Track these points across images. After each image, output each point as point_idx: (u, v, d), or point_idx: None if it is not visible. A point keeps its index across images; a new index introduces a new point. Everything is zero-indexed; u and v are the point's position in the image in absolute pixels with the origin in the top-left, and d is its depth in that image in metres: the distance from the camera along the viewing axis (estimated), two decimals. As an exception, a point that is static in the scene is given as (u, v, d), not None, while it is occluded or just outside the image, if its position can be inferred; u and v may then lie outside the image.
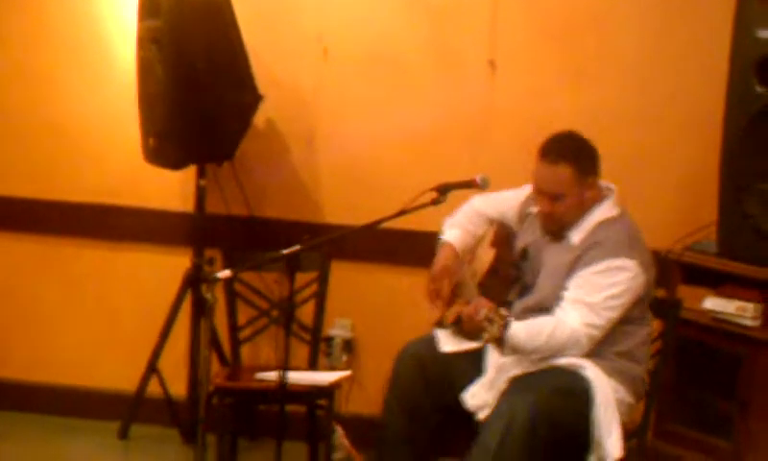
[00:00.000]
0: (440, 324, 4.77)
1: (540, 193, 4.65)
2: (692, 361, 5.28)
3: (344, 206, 5.88)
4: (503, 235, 4.84)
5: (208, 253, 5.73)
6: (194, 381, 5.80)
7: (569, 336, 4.43)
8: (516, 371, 4.53)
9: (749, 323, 5.06)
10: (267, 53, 5.80)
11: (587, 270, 4.50)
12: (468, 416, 4.60)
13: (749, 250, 5.09)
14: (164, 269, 5.95)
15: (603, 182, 4.73)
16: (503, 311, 4.33)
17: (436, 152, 5.81)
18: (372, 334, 5.93)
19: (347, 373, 5.42)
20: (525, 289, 4.66)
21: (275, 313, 5.52)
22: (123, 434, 5.88)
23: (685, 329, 5.15)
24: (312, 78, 5.90)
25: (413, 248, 5.44)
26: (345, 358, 5.93)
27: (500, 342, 4.36)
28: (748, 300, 5.08)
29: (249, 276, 5.52)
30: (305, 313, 5.50)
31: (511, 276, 4.72)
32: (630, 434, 4.66)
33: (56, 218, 6.06)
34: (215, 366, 5.62)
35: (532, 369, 4.50)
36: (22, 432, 5.92)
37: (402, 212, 4.54)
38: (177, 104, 5.41)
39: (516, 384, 4.47)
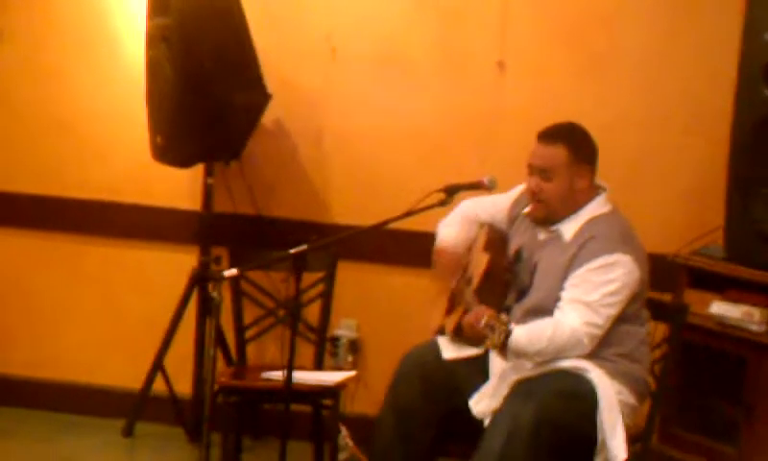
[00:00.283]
0: (441, 331, 4.77)
1: (531, 171, 4.64)
2: (698, 366, 5.27)
3: (351, 207, 5.88)
4: (495, 239, 4.83)
5: (215, 251, 5.74)
6: (199, 380, 5.80)
7: (570, 337, 4.42)
8: (520, 375, 4.52)
9: (755, 328, 5.05)
10: (276, 52, 5.80)
11: (582, 269, 4.48)
12: (474, 421, 4.59)
13: (756, 254, 5.08)
14: (171, 267, 5.96)
15: (596, 181, 4.72)
16: (504, 317, 4.32)
17: (444, 152, 5.81)
18: (377, 335, 5.93)
19: (352, 373, 5.42)
20: (523, 292, 4.65)
21: (281, 312, 5.52)
22: (128, 432, 5.89)
23: (692, 334, 5.14)
24: (320, 78, 5.90)
25: (420, 249, 5.43)
26: (350, 358, 5.93)
27: (503, 348, 4.36)
28: (754, 304, 5.07)
29: (255, 275, 5.51)
30: (312, 313, 5.51)
31: (506, 279, 4.71)
32: (635, 438, 4.65)
33: (63, 215, 6.07)
34: (221, 365, 5.63)
35: (535, 372, 4.50)
36: (27, 429, 5.93)
37: (409, 213, 4.54)
38: (185, 102, 5.42)
39: (520, 388, 4.47)
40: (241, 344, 5.52)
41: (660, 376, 4.82)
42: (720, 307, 5.16)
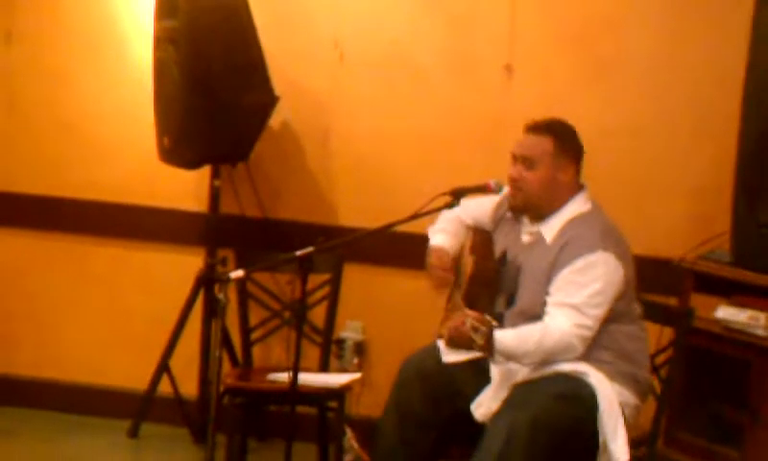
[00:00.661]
0: (441, 336, 4.78)
1: (514, 160, 4.64)
2: (704, 370, 5.27)
3: (357, 209, 5.88)
4: (480, 241, 4.83)
5: (221, 253, 5.74)
6: (205, 381, 5.81)
7: (558, 340, 4.41)
8: (520, 378, 4.52)
9: (761, 332, 5.04)
10: (283, 56, 5.81)
11: (564, 271, 4.47)
12: (475, 424, 4.59)
13: (762, 259, 5.08)
14: (177, 268, 5.97)
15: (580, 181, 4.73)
16: (487, 318, 4.31)
17: (451, 156, 5.82)
18: (383, 337, 5.94)
19: (357, 375, 5.42)
20: (511, 297, 4.65)
21: (287, 314, 5.52)
22: (133, 433, 5.90)
23: (697, 338, 5.14)
24: (328, 81, 5.91)
25: (426, 252, 5.44)
26: (356, 361, 5.94)
27: (488, 349, 4.36)
28: (760, 309, 5.07)
29: (261, 276, 5.52)
30: (317, 315, 5.51)
31: (492, 281, 4.71)
32: (640, 442, 4.65)
33: (69, 216, 6.08)
34: (226, 366, 5.63)
35: (535, 375, 4.49)
36: (33, 429, 5.93)
37: (416, 216, 4.53)
38: (192, 104, 5.43)
39: (519, 392, 4.47)
40: (247, 345, 5.52)
41: (665, 379, 4.82)
42: (726, 312, 5.16)
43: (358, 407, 5.81)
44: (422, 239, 4.94)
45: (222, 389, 5.30)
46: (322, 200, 5.97)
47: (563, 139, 4.64)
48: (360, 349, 5.95)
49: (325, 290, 5.49)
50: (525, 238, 4.69)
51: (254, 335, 5.54)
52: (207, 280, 5.76)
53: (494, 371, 4.63)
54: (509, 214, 4.78)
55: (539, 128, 4.65)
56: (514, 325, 4.52)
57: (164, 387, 5.83)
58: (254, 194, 5.91)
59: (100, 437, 5.90)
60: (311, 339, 5.46)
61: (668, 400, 4.88)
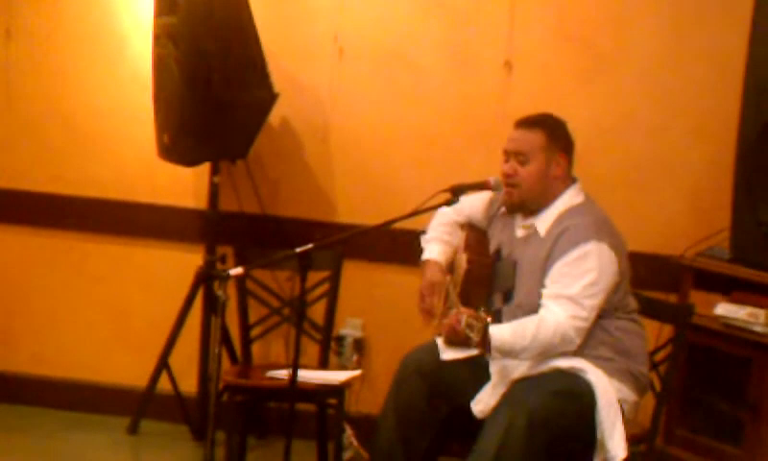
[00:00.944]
0: (439, 334, 4.78)
1: (507, 157, 4.65)
2: (703, 367, 5.28)
3: (357, 206, 5.89)
4: (474, 239, 4.83)
5: (221, 250, 5.75)
6: (204, 378, 5.81)
7: (555, 332, 4.41)
8: (518, 374, 4.52)
9: (760, 329, 5.05)
10: (283, 52, 5.81)
11: (559, 263, 4.48)
12: (475, 420, 4.59)
13: (761, 256, 5.09)
14: (176, 265, 5.96)
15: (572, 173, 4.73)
16: (482, 314, 4.31)
17: (450, 152, 5.82)
18: (382, 334, 5.94)
19: (357, 372, 5.42)
20: (509, 293, 4.65)
21: (286, 311, 5.52)
22: (133, 430, 5.90)
23: (697, 335, 5.15)
24: (327, 77, 5.90)
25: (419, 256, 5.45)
26: (355, 358, 5.94)
27: (485, 345, 4.35)
28: (759, 306, 5.08)
29: (261, 273, 5.52)
30: (317, 312, 5.51)
31: (488, 278, 4.71)
32: (639, 439, 4.66)
33: (69, 213, 6.08)
34: (226, 363, 5.63)
35: (533, 372, 4.50)
36: (32, 427, 5.93)
37: (415, 213, 4.53)
38: (191, 101, 5.42)
39: (517, 388, 4.47)
40: (246, 343, 5.52)
41: (664, 376, 4.82)
42: (725, 309, 5.17)
43: (357, 404, 5.82)
44: (420, 236, 4.95)
45: (221, 386, 5.29)
46: (321, 197, 5.96)
47: (554, 133, 4.65)
48: (359, 346, 5.95)
49: (325, 287, 5.49)
50: (519, 233, 4.69)
51: (254, 332, 5.53)
52: (207, 277, 5.75)
53: (493, 367, 4.64)
54: (502, 210, 4.78)
55: (530, 122, 4.67)
56: (513, 320, 4.52)
57: (164, 384, 5.82)
58: (254, 191, 5.90)
59: (100, 434, 5.90)
60: (310, 336, 5.46)
61: (668, 396, 4.88)
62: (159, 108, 5.61)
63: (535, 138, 4.62)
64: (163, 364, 5.80)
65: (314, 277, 5.21)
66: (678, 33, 5.70)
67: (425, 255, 4.88)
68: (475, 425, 4.53)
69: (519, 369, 4.53)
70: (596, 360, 4.50)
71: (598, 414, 4.43)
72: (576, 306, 4.43)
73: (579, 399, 4.43)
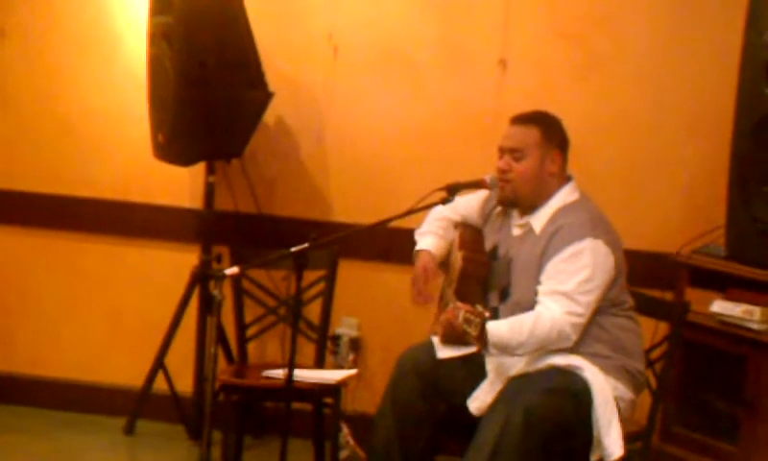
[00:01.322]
0: (435, 332, 4.78)
1: (502, 153, 4.66)
2: (699, 364, 5.28)
3: (352, 205, 5.88)
4: (469, 236, 4.83)
5: (216, 249, 5.72)
6: (200, 378, 5.80)
7: (551, 327, 4.41)
8: (515, 371, 4.52)
9: (756, 326, 5.05)
10: (277, 51, 5.81)
11: (554, 259, 4.48)
12: (472, 418, 4.59)
13: (757, 253, 5.08)
14: (172, 265, 5.96)
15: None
16: (479, 308, 4.31)
17: (445, 151, 5.82)
18: (378, 333, 5.94)
19: (353, 371, 5.42)
20: (505, 291, 4.66)
21: (282, 311, 5.52)
22: (129, 430, 5.90)
23: (692, 332, 5.15)
24: (322, 76, 5.90)
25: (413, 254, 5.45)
26: (351, 357, 5.93)
27: (482, 340, 4.35)
28: (755, 303, 5.07)
29: (256, 273, 5.51)
30: (312, 311, 5.50)
31: (483, 276, 4.71)
32: (636, 436, 4.65)
33: (64, 213, 6.08)
34: (222, 363, 5.63)
35: (530, 369, 4.50)
36: (29, 427, 5.93)
37: (411, 211, 4.54)
38: (186, 100, 5.42)
39: (513, 386, 4.47)
40: (242, 342, 5.52)
41: (660, 374, 4.82)
42: (721, 306, 5.16)
43: (354, 403, 5.82)
44: (414, 232, 4.96)
45: (217, 386, 5.29)
46: (317, 196, 5.96)
47: (549, 129, 4.66)
48: (355, 345, 5.95)
49: (321, 286, 5.49)
50: (515, 231, 4.70)
51: (250, 332, 5.53)
52: (202, 277, 5.75)
53: (489, 365, 4.64)
54: (498, 209, 4.78)
55: (525, 119, 4.68)
56: (509, 317, 4.52)
57: (160, 384, 5.82)
58: (249, 190, 5.90)
59: (96, 434, 5.90)
60: (306, 335, 5.46)
61: (664, 394, 4.88)
62: (154, 107, 5.61)
63: (530, 135, 4.62)
64: (159, 364, 5.80)
65: (310, 276, 5.21)
66: (672, 30, 5.70)
67: (418, 247, 4.89)
68: (472, 423, 4.53)
69: (516, 366, 4.53)
70: (593, 358, 4.50)
71: (595, 412, 4.43)
72: (572, 302, 4.43)
73: (575, 396, 4.43)
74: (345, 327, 5.95)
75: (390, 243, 5.68)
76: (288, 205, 5.96)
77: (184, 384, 5.87)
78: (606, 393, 4.45)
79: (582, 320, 4.46)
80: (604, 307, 4.53)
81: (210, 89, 5.45)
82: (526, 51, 5.79)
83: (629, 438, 4.49)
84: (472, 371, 4.67)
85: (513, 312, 4.53)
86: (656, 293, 5.22)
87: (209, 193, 5.78)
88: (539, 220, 4.62)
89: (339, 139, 5.93)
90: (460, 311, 4.30)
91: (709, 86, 5.62)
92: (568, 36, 5.77)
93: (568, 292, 4.44)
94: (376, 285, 5.92)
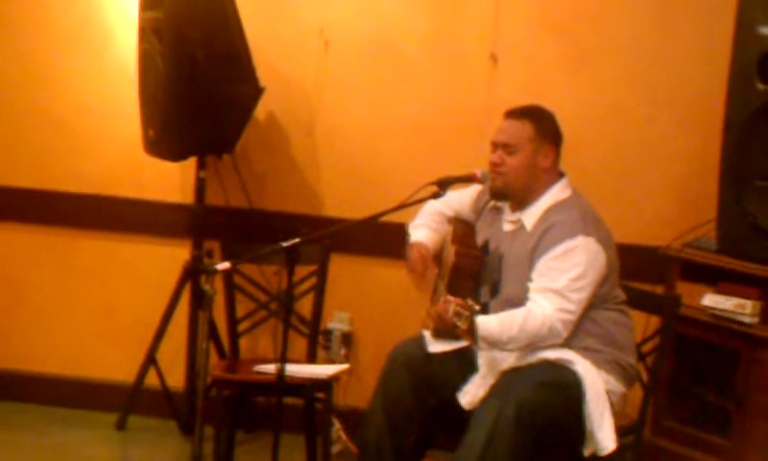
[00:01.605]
0: (426, 326, 4.78)
1: (494, 148, 4.65)
2: (690, 358, 5.28)
3: (343, 199, 5.88)
4: (461, 231, 4.83)
5: (208, 244, 5.74)
6: (192, 373, 5.80)
7: (542, 324, 4.41)
8: (507, 365, 4.53)
9: (747, 320, 5.06)
10: (268, 45, 5.80)
11: (545, 257, 4.48)
12: (463, 413, 4.59)
13: (748, 247, 5.09)
14: (163, 260, 5.96)
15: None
16: (470, 303, 4.30)
17: (437, 145, 5.81)
18: (370, 328, 5.93)
19: (345, 366, 5.41)
20: (495, 287, 4.66)
21: (273, 306, 5.51)
22: (121, 425, 5.89)
23: (684, 326, 5.16)
24: (313, 70, 5.89)
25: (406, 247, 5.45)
26: (343, 352, 5.93)
27: (472, 333, 4.35)
28: (746, 297, 5.08)
29: (248, 268, 5.50)
30: (304, 306, 5.50)
31: (475, 271, 4.71)
32: (627, 430, 4.66)
33: (55, 208, 6.06)
34: (213, 358, 5.63)
35: (522, 363, 4.50)
36: (20, 423, 5.92)
37: (402, 206, 4.54)
38: (177, 95, 5.41)
39: (504, 380, 4.47)
40: (234, 337, 5.51)
41: (652, 367, 4.82)
42: (712, 300, 5.17)
43: (345, 398, 5.82)
44: (407, 225, 4.95)
45: (209, 381, 5.29)
46: (308, 190, 5.96)
47: (542, 124, 4.65)
48: (347, 339, 5.95)
49: (312, 281, 5.48)
50: (507, 227, 4.70)
51: (241, 327, 5.52)
52: (194, 272, 5.75)
53: (481, 359, 4.64)
54: (490, 204, 4.78)
55: (518, 113, 4.67)
56: (499, 313, 4.52)
57: (151, 379, 5.81)
58: (240, 185, 5.89)
59: (87, 430, 5.89)
60: (298, 330, 5.45)
61: (655, 388, 4.89)
62: (145, 102, 5.60)
63: (523, 129, 4.62)
64: (151, 359, 5.80)
65: (301, 271, 5.20)
66: (663, 23, 5.70)
67: (412, 239, 4.88)
68: (464, 418, 4.53)
69: (508, 360, 4.53)
70: (584, 351, 4.51)
71: (587, 405, 4.43)
72: (563, 300, 4.43)
73: (567, 390, 4.44)
74: (336, 321, 5.95)
75: (382, 237, 5.67)
76: (279, 199, 5.96)
77: (176, 379, 5.87)
78: (598, 387, 4.46)
79: (573, 317, 4.46)
80: (596, 302, 4.53)
81: (201, 84, 5.44)
82: (517, 45, 5.79)
83: (620, 432, 4.50)
84: (463, 365, 4.68)
85: (503, 308, 4.53)
86: (646, 287, 5.23)
87: (200, 188, 5.77)
88: (530, 217, 4.61)
89: (330, 134, 5.93)
90: (450, 305, 4.30)
91: (700, 80, 5.62)
92: (559, 31, 5.77)
93: (560, 289, 4.44)
94: (368, 280, 5.92)
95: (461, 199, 4.91)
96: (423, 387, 4.68)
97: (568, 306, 4.44)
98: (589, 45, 5.75)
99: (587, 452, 4.45)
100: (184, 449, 5.65)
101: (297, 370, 4.97)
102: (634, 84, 5.73)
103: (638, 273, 5.29)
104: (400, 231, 4.99)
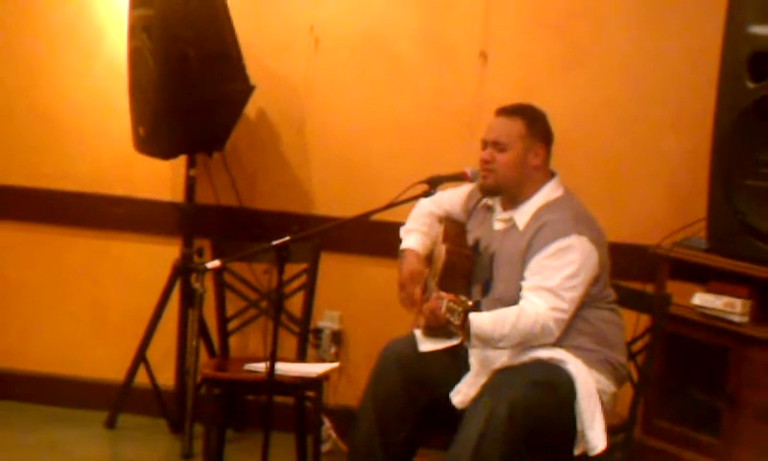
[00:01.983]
0: (418, 326, 4.78)
1: (485, 146, 4.66)
2: (680, 357, 5.28)
3: (334, 198, 5.88)
4: (452, 230, 4.83)
5: (198, 243, 5.73)
6: (182, 372, 5.79)
7: (534, 322, 4.41)
8: (499, 364, 4.52)
9: (737, 319, 5.06)
10: (258, 43, 5.80)
11: (539, 256, 4.48)
12: (454, 411, 4.59)
13: (738, 246, 5.09)
14: (153, 259, 5.95)
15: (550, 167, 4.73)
16: (463, 299, 4.30)
17: (427, 143, 5.81)
18: (360, 326, 5.93)
19: (335, 364, 5.41)
20: (486, 285, 4.66)
21: (263, 304, 5.50)
22: (110, 424, 5.88)
23: (674, 325, 5.15)
24: (303, 68, 5.89)
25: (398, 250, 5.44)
26: (333, 350, 5.93)
27: (464, 330, 4.34)
28: (737, 296, 5.08)
29: (238, 266, 5.51)
30: (294, 304, 5.50)
31: (466, 270, 4.71)
32: (617, 429, 4.66)
33: (44, 207, 6.05)
34: (203, 356, 5.63)
35: (514, 362, 4.50)
36: (10, 421, 5.91)
37: (393, 204, 4.53)
38: (167, 93, 5.41)
39: (496, 379, 4.47)
40: (224, 336, 5.50)
41: (642, 366, 4.82)
42: (702, 298, 5.17)
43: (336, 397, 5.82)
44: (400, 227, 4.95)
45: (199, 379, 5.29)
46: (298, 189, 5.95)
47: (534, 122, 4.66)
48: (337, 338, 5.95)
49: (302, 279, 5.48)
50: (498, 226, 4.69)
51: (231, 325, 5.52)
52: (184, 271, 5.74)
53: (473, 358, 4.64)
54: (482, 204, 4.78)
55: (509, 111, 4.68)
56: (493, 310, 4.52)
57: (141, 378, 5.81)
58: (230, 183, 5.89)
59: (77, 428, 5.88)
60: (288, 329, 5.45)
61: (645, 386, 4.89)
62: (135, 100, 5.59)
63: (514, 127, 4.62)
64: (141, 358, 5.79)
65: (291, 269, 5.20)
66: (654, 22, 5.70)
67: (404, 245, 4.88)
68: (455, 416, 4.53)
69: (500, 359, 4.53)
70: (576, 350, 4.51)
71: (578, 404, 4.43)
72: (556, 298, 4.43)
73: (559, 389, 4.44)
74: (326, 320, 5.95)
75: (372, 236, 5.67)
76: (269, 198, 5.95)
77: (166, 378, 5.86)
78: (589, 386, 4.46)
79: (565, 316, 4.46)
80: (587, 301, 4.53)
81: (191, 82, 5.44)
82: (507, 43, 5.79)
83: (611, 431, 4.50)
84: (455, 364, 4.68)
85: (494, 307, 4.52)
86: (636, 285, 5.23)
87: (190, 186, 5.77)
88: (522, 215, 4.61)
89: (320, 132, 5.93)
90: (443, 300, 4.30)
91: (691, 79, 5.62)
92: (549, 28, 5.77)
93: (553, 288, 4.44)
94: (358, 278, 5.92)
95: (452, 198, 4.91)
96: (414, 386, 4.68)
97: (561, 305, 4.44)
98: (580, 43, 5.75)
99: (577, 451, 4.45)
100: (174, 448, 5.65)
101: (287, 368, 4.97)
102: (624, 83, 5.73)
103: (629, 272, 5.29)
104: (391, 230, 4.99)
